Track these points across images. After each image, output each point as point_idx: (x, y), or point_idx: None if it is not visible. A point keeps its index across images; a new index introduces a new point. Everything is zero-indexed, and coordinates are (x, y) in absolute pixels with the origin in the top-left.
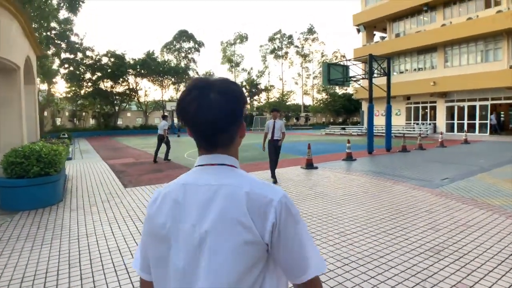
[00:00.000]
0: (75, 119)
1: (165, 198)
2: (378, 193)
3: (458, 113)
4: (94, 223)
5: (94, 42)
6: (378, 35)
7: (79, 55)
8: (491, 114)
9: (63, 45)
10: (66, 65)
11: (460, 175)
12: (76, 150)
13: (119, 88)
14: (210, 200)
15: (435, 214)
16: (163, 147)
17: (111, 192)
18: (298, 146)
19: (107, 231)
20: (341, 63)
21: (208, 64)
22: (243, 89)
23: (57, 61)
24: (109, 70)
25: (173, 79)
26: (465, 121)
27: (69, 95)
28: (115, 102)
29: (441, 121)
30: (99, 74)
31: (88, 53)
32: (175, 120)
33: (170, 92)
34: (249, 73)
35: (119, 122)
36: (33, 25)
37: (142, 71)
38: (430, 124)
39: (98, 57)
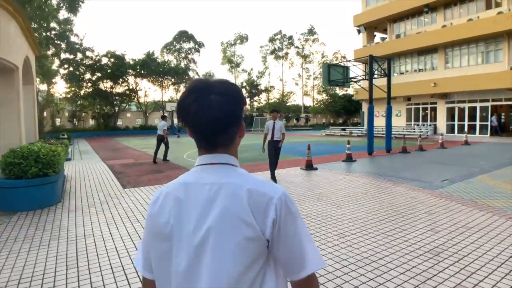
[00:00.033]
0: (74, 119)
1: (167, 197)
2: (377, 194)
3: (459, 114)
4: (92, 224)
5: (94, 43)
6: (378, 36)
7: (79, 55)
8: (492, 115)
9: (63, 46)
10: (66, 66)
11: (460, 176)
12: (76, 151)
13: (119, 89)
14: (212, 198)
15: (435, 215)
16: (163, 147)
17: (109, 193)
18: (298, 147)
19: (105, 232)
20: (342, 64)
21: (208, 64)
22: (243, 89)
23: (56, 62)
24: (109, 71)
25: (173, 80)
26: (466, 122)
27: (69, 96)
28: (115, 102)
29: (442, 122)
30: (99, 74)
31: (88, 53)
32: (175, 120)
33: (170, 93)
34: (249, 73)
35: (119, 122)
36: (33, 25)
37: (142, 71)
38: (430, 125)
39: (98, 57)
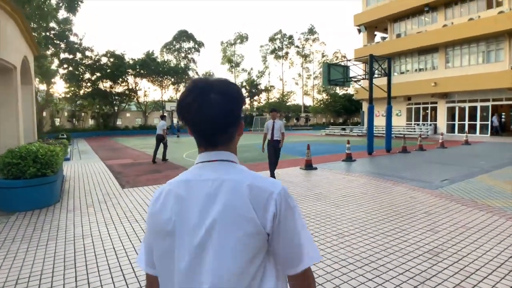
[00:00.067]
0: (74, 119)
1: (168, 195)
2: (377, 194)
3: (459, 114)
4: (90, 224)
5: (94, 42)
6: (379, 35)
7: (78, 55)
8: (492, 115)
9: (62, 45)
10: (65, 65)
11: (460, 176)
12: (75, 151)
13: (119, 88)
14: (213, 195)
15: (434, 215)
16: (162, 147)
17: (108, 193)
18: (298, 146)
19: (103, 232)
20: (342, 63)
21: (208, 64)
22: (243, 89)
23: (56, 61)
24: (108, 70)
25: (172, 79)
26: (466, 122)
27: (68, 95)
28: (115, 102)
29: (442, 122)
30: (98, 74)
31: (88, 53)
32: (175, 120)
33: (170, 93)
34: (249, 73)
35: (118, 122)
36: (32, 25)
37: (142, 71)
38: (430, 125)
39: (97, 57)
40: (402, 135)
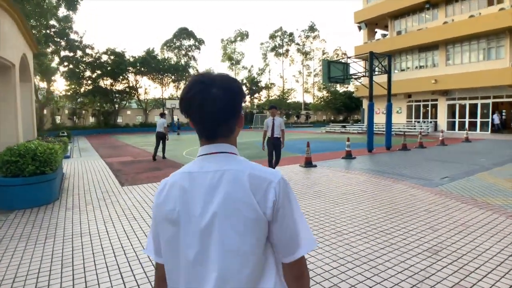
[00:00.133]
0: (74, 117)
1: (172, 187)
2: (377, 192)
3: (460, 111)
4: (89, 222)
5: (94, 40)
6: (379, 32)
7: (79, 53)
8: (493, 113)
9: (63, 43)
10: (66, 63)
11: (460, 174)
12: (75, 148)
13: (119, 86)
14: (216, 185)
15: (434, 213)
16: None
17: (107, 190)
18: (298, 144)
19: (102, 230)
20: (342, 60)
21: (208, 62)
22: (244, 87)
23: (56, 59)
24: (108, 68)
25: (173, 77)
26: (467, 119)
27: (69, 93)
28: (115, 100)
29: (442, 119)
30: (98, 72)
31: (88, 51)
32: (175, 118)
33: (170, 90)
34: (249, 70)
35: (119, 120)
36: (32, 23)
37: (142, 69)
38: (431, 122)
39: (97, 55)
40: (402, 133)
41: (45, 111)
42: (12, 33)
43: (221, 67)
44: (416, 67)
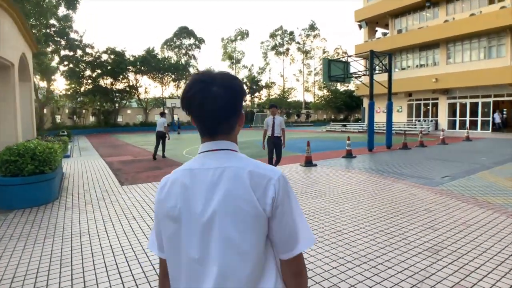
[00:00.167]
0: (75, 116)
1: (173, 183)
2: (377, 191)
3: (460, 110)
4: (88, 222)
5: (94, 40)
6: (380, 31)
7: (79, 52)
8: (494, 112)
9: (63, 42)
10: (66, 62)
11: (461, 173)
12: (75, 148)
13: (119, 85)
14: (216, 182)
15: (434, 213)
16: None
17: (107, 190)
18: (298, 143)
19: (101, 230)
20: (342, 59)
21: (208, 61)
22: (244, 85)
23: (56, 58)
24: (109, 67)
25: (173, 76)
26: (467, 118)
27: (69, 92)
28: (115, 99)
29: (443, 118)
30: (99, 71)
31: (88, 50)
32: (175, 117)
33: (170, 89)
34: (249, 69)
35: (119, 119)
36: (32, 22)
37: (142, 68)
38: (431, 121)
39: (97, 54)
40: (403, 132)
41: (45, 111)
42: (11, 32)
43: (221, 66)
44: (417, 66)
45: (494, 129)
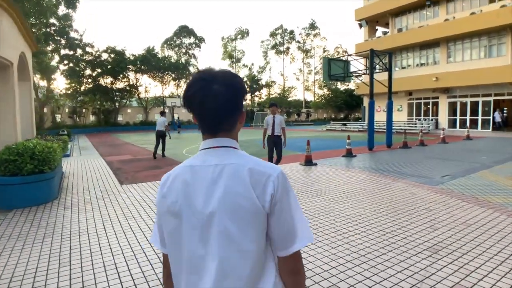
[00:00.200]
0: (75, 115)
1: (175, 180)
2: (377, 190)
3: (461, 109)
4: (87, 221)
5: (94, 39)
6: (380, 30)
7: (79, 51)
8: (494, 110)
9: (63, 41)
10: (66, 62)
11: (461, 172)
12: (75, 147)
13: (119, 84)
14: (217, 178)
15: (434, 212)
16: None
17: (106, 189)
18: (298, 142)
19: (100, 229)
20: (342, 58)
21: (209, 60)
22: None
23: (56, 58)
24: (109, 66)
25: (173, 75)
26: (468, 117)
27: (69, 92)
28: (115, 98)
29: (443, 117)
30: (99, 70)
31: (88, 49)
32: (175, 116)
33: (171, 88)
34: (250, 68)
35: (119, 118)
36: (32, 21)
37: (142, 67)
38: (432, 120)
39: (98, 53)
40: (403, 130)
41: (45, 110)
42: (10, 31)
43: (221, 65)
44: (417, 65)
45: (494, 128)
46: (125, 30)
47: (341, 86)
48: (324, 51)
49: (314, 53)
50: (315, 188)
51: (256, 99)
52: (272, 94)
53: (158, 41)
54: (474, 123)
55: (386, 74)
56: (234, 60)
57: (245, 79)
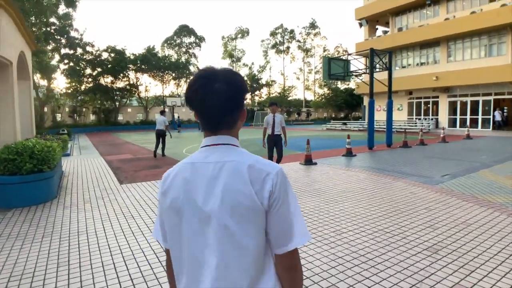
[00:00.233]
0: (75, 114)
1: (176, 176)
2: (377, 190)
3: (461, 108)
4: (86, 221)
5: (94, 39)
6: (380, 29)
7: (79, 50)
8: (494, 110)
9: (63, 41)
10: (66, 61)
11: (461, 171)
12: (75, 146)
13: (120, 84)
14: (217, 175)
15: (434, 211)
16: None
17: (106, 188)
18: (298, 141)
19: (99, 229)
20: (342, 57)
21: (209, 59)
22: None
23: (57, 57)
24: (109, 66)
25: (173, 74)
26: (468, 116)
27: (69, 91)
28: (116, 97)
29: (443, 116)
30: (99, 69)
31: (88, 48)
32: (175, 115)
33: (171, 88)
34: (250, 68)
35: (120, 117)
36: (32, 20)
37: (143, 66)
38: (432, 119)
39: (98, 52)
40: (403, 130)
41: (45, 109)
42: (9, 30)
43: (221, 64)
44: (417, 64)
45: (494, 127)
46: (125, 29)
47: (341, 86)
48: (324, 50)
49: (314, 53)
50: (314, 187)
51: (256, 98)
52: (272, 94)
53: (159, 40)
54: (474, 122)
55: (386, 73)
56: (234, 60)
57: (245, 78)
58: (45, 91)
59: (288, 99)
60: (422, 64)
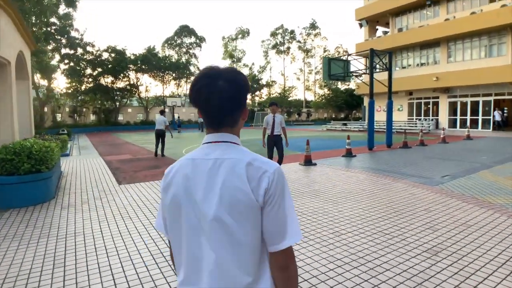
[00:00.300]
0: (75, 115)
1: (177, 173)
2: (376, 190)
3: (461, 109)
4: (83, 222)
5: (95, 39)
6: (380, 30)
7: (80, 50)
8: (494, 110)
9: (63, 41)
10: (66, 61)
11: (461, 172)
12: (75, 146)
13: (120, 84)
14: (216, 172)
15: (434, 213)
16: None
17: (104, 189)
18: (298, 142)
19: (96, 230)
20: (343, 57)
21: (209, 59)
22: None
23: (57, 57)
24: (109, 66)
25: (174, 75)
26: (468, 117)
27: (70, 91)
28: (116, 97)
29: (444, 116)
30: (99, 69)
31: (89, 48)
32: (176, 115)
33: (171, 88)
34: (250, 68)
35: (120, 118)
36: (32, 20)
37: (143, 66)
38: (432, 119)
39: (98, 52)
40: (403, 130)
41: (45, 109)
42: (7, 30)
43: (222, 65)
44: (417, 65)
45: (494, 127)
46: (126, 29)
47: (341, 86)
48: (325, 51)
49: (314, 53)
50: (314, 188)
51: (257, 98)
52: (272, 94)
53: (159, 40)
54: (474, 123)
55: (386, 73)
56: (235, 60)
57: None
58: (45, 91)
59: (289, 99)
60: (422, 64)
